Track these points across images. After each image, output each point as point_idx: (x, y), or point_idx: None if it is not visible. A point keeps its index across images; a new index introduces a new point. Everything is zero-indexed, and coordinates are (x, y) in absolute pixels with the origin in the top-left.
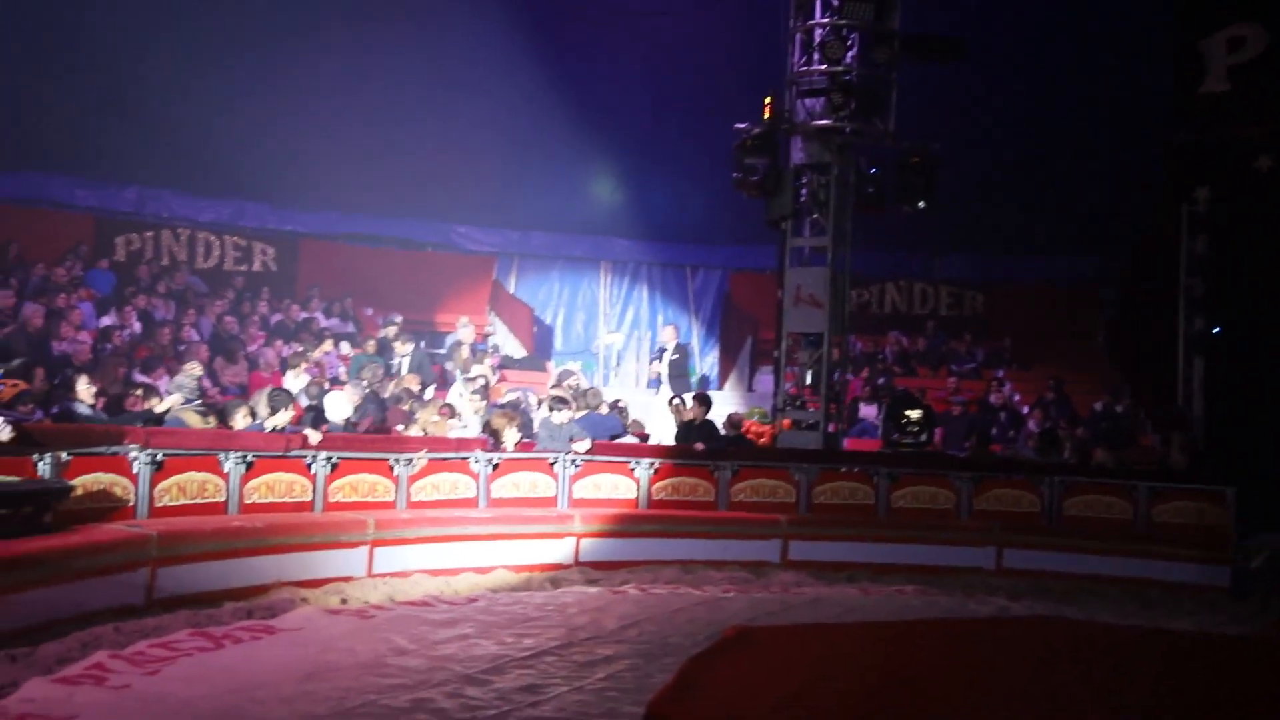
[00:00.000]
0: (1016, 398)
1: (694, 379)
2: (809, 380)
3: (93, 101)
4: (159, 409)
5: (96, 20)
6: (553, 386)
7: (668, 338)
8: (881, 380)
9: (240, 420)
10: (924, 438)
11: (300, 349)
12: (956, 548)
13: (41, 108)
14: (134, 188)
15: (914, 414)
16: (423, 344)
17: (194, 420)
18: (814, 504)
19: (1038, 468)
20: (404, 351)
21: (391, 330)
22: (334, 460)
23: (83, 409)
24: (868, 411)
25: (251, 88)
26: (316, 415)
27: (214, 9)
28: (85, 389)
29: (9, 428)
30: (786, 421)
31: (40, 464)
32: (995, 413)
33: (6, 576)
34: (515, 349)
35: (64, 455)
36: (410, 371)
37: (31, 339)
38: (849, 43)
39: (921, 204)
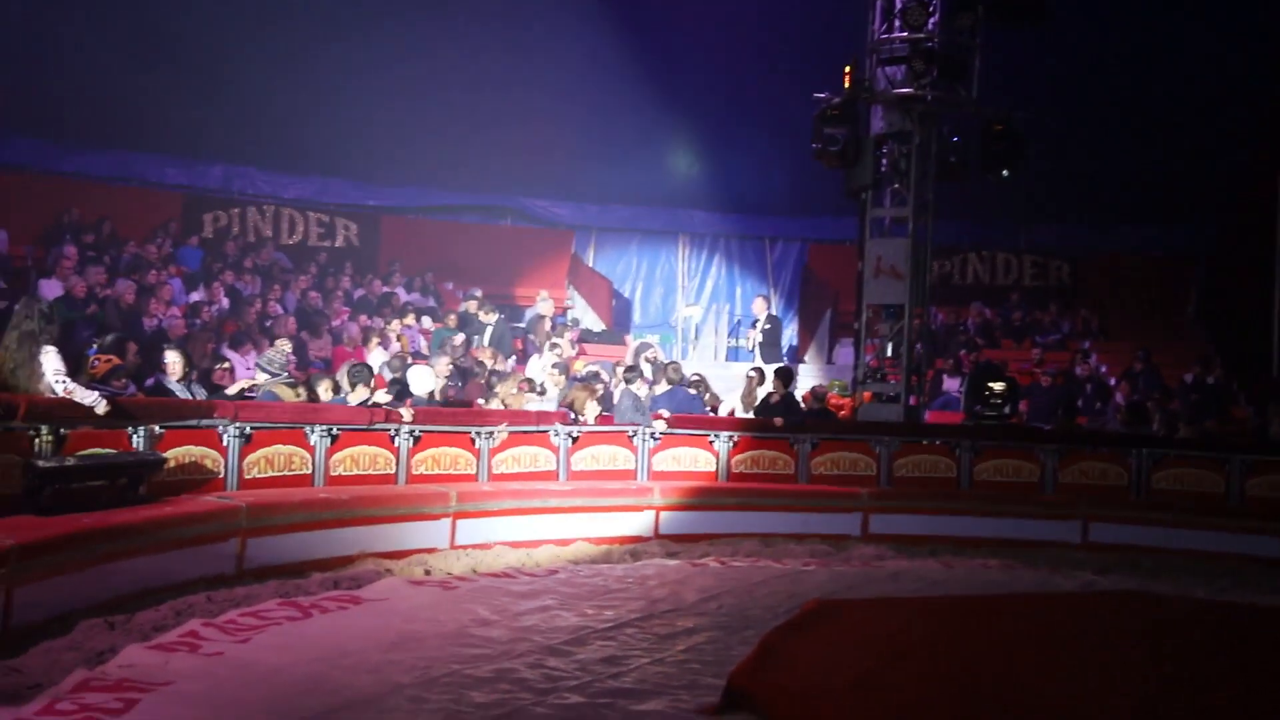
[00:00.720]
0: (1103, 369)
1: (784, 350)
2: (890, 352)
3: (182, 81)
4: (250, 385)
5: (187, 3)
6: (630, 362)
7: (759, 309)
8: (964, 352)
9: (324, 394)
10: (1007, 410)
11: (382, 323)
12: (1041, 521)
13: (132, 87)
14: (221, 165)
15: (997, 386)
16: (503, 316)
17: (286, 393)
18: (895, 477)
19: (1125, 440)
20: (489, 320)
21: (472, 304)
22: (417, 434)
23: (173, 384)
24: (950, 384)
25: (334, 67)
26: (401, 389)
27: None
28: (175, 361)
29: (104, 401)
30: (867, 394)
31: (134, 437)
32: (1081, 385)
33: (104, 546)
34: (594, 323)
35: (157, 428)
36: (491, 343)
37: (124, 314)
38: (931, 8)
39: (1005, 173)
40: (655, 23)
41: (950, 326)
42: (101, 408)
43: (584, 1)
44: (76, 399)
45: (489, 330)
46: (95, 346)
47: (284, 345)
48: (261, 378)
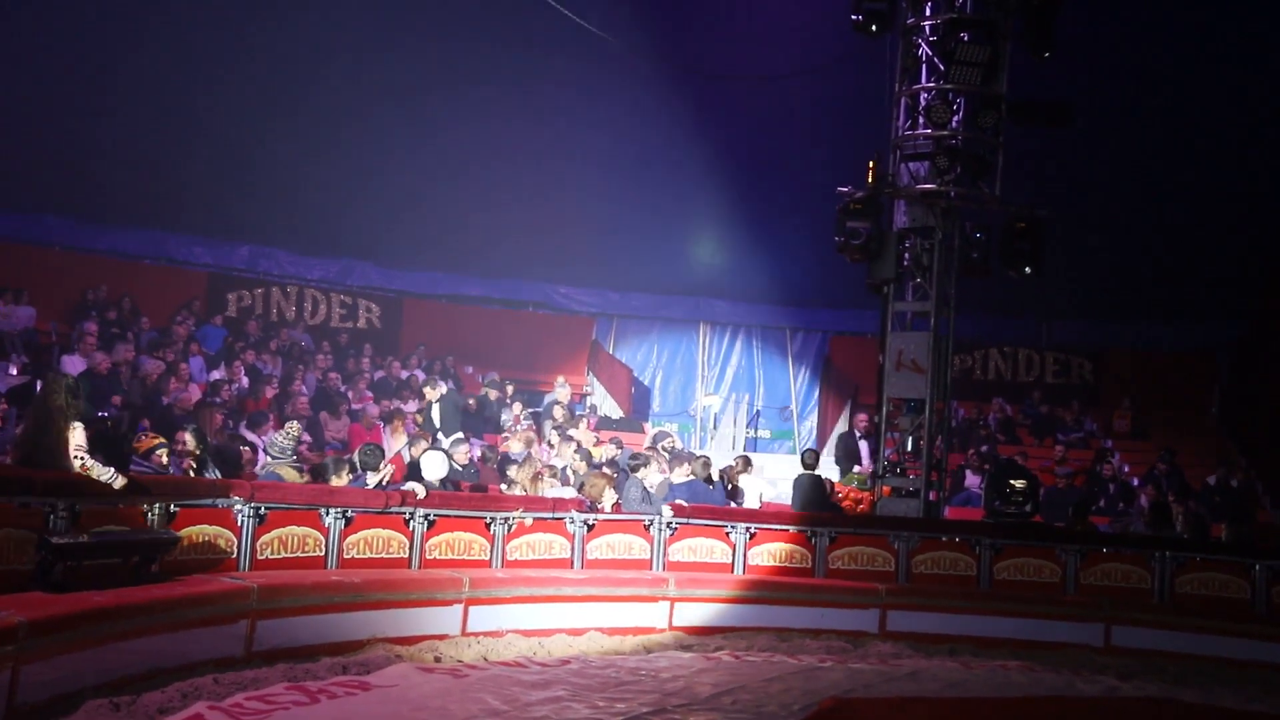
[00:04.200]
0: (1126, 469)
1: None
2: (909, 447)
3: (212, 162)
4: (260, 466)
5: (218, 89)
6: (647, 448)
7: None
8: (985, 448)
9: (342, 477)
10: (1029, 508)
11: (399, 405)
12: (1062, 623)
13: (164, 167)
14: (247, 246)
15: (1018, 483)
16: (452, 388)
17: (290, 475)
18: (914, 573)
19: (1148, 542)
20: (434, 396)
21: (492, 392)
22: (431, 518)
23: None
24: (971, 480)
25: (362, 152)
26: (413, 470)
27: (325, 79)
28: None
29: (120, 477)
30: (886, 488)
31: (149, 514)
32: (1104, 484)
33: (114, 625)
34: (613, 409)
35: (172, 506)
36: (440, 421)
37: (147, 392)
38: (955, 107)
39: (1028, 269)
40: (681, 116)
41: (971, 422)
42: (118, 483)
43: (608, 95)
44: (93, 475)
45: (435, 407)
46: (144, 424)
47: (293, 428)
48: (267, 459)
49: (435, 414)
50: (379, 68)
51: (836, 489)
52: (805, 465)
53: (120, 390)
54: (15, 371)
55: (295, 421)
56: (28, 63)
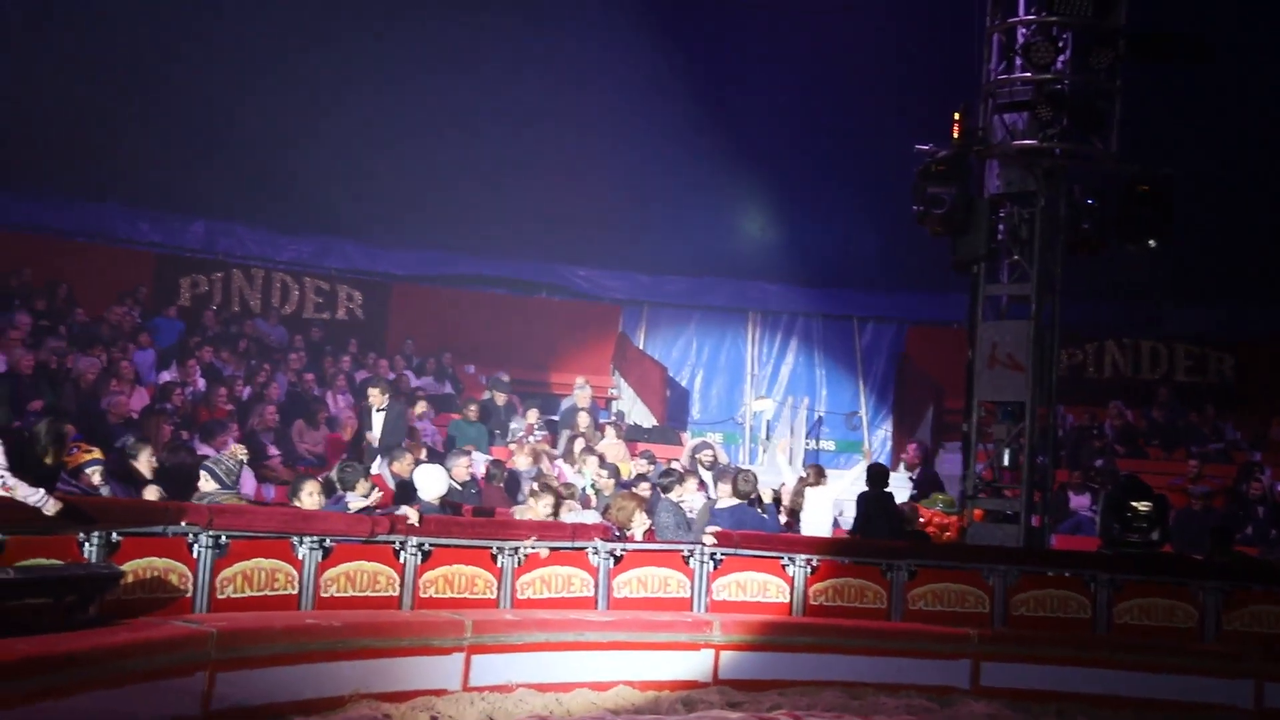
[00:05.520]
0: (1279, 487)
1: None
2: (1006, 461)
3: (159, 125)
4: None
5: (169, 42)
6: (686, 464)
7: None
8: (1100, 462)
9: (308, 498)
10: (1155, 536)
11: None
12: (1201, 678)
13: (103, 131)
14: (202, 221)
15: (1142, 506)
16: (387, 396)
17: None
18: (1013, 616)
19: None
20: (379, 404)
21: (499, 394)
22: (427, 548)
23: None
24: (1081, 501)
25: (340, 110)
26: (404, 491)
27: (296, 32)
28: (146, 462)
29: (51, 501)
30: (978, 512)
31: (86, 545)
32: (1250, 506)
33: (43, 679)
34: (644, 416)
35: (114, 535)
36: (383, 432)
37: (82, 395)
38: (1060, 44)
39: (1152, 242)
40: (721, 55)
41: (1082, 430)
42: (50, 507)
43: (635, 38)
44: (18, 497)
45: (376, 416)
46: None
47: (238, 452)
48: (209, 486)
49: (376, 426)
50: (365, 17)
51: (919, 513)
52: (871, 482)
53: (46, 394)
54: None
55: (239, 445)
56: None
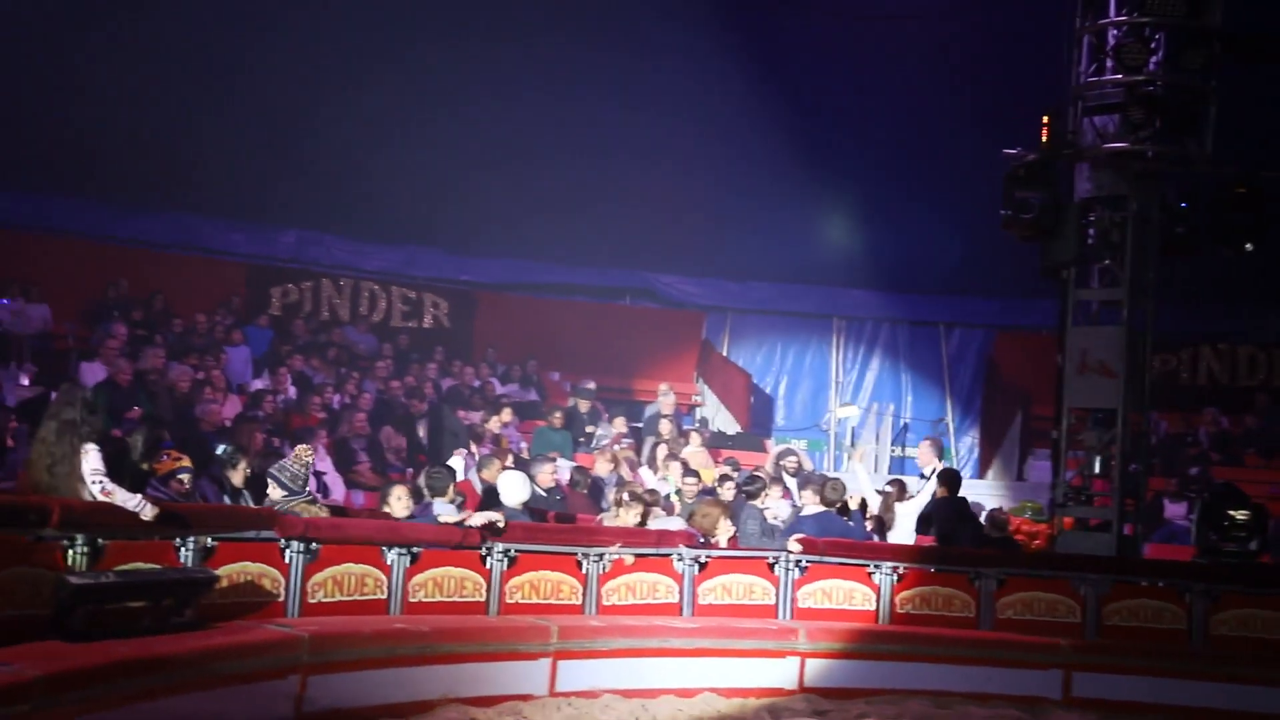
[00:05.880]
0: None
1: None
2: (1097, 468)
3: (252, 138)
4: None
5: (258, 53)
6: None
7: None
8: (1195, 470)
9: (396, 503)
10: (1254, 545)
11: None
12: None
13: (197, 145)
14: (293, 232)
15: (1240, 514)
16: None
17: (310, 512)
18: (1105, 626)
19: None
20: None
21: (584, 403)
22: (513, 554)
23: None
24: (1175, 510)
25: (428, 120)
26: (490, 497)
27: (387, 46)
28: (241, 470)
29: (149, 506)
30: (1068, 520)
31: (182, 550)
32: None
33: (143, 680)
34: (727, 423)
35: (209, 540)
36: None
37: (177, 403)
38: (1153, 45)
39: (1249, 246)
40: (807, 62)
41: (1176, 437)
42: (147, 513)
43: (720, 46)
44: (116, 501)
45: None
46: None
47: (305, 454)
48: (277, 493)
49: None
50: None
51: (1015, 524)
52: (943, 487)
53: (143, 403)
54: (27, 381)
55: (305, 446)
56: (36, 30)
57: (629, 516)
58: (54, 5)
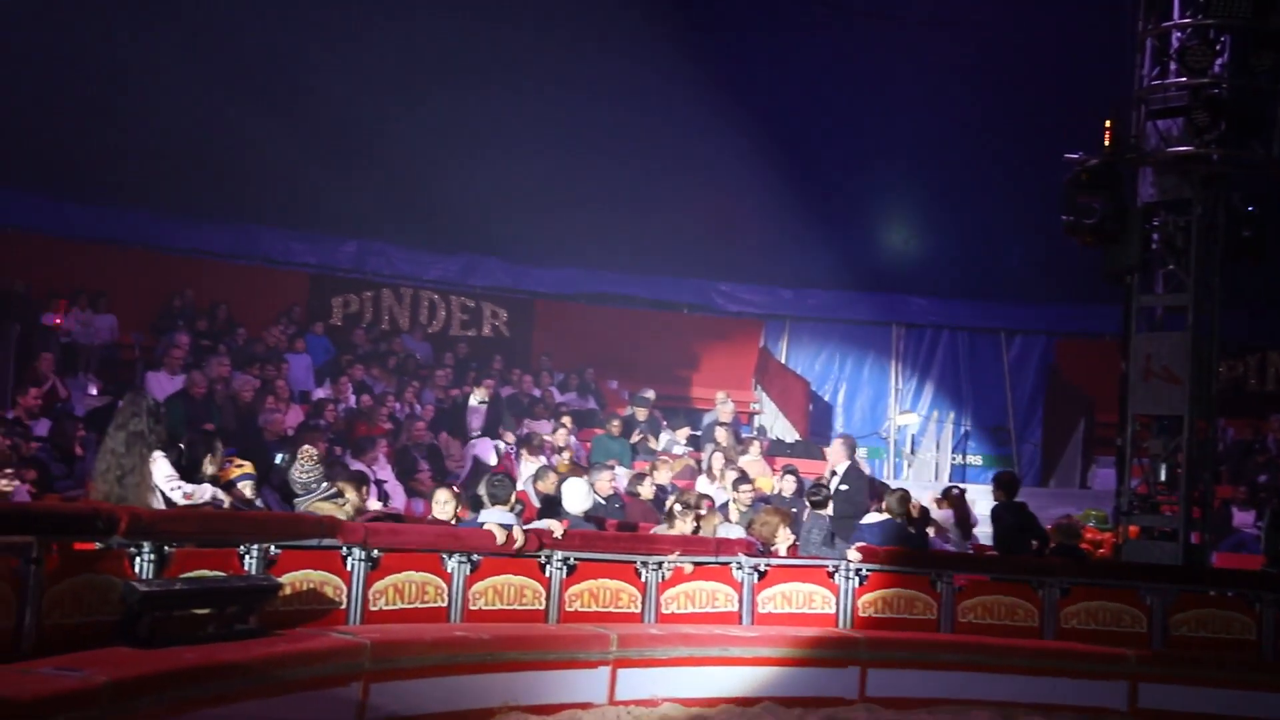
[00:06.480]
0: None
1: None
2: (1163, 476)
3: (312, 149)
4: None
5: (320, 66)
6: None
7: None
8: (1263, 478)
9: (437, 506)
10: None
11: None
12: None
13: (259, 156)
14: (354, 242)
15: None
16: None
17: (325, 509)
18: (1171, 636)
19: None
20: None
21: (642, 411)
22: (572, 561)
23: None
24: (1243, 518)
25: (487, 129)
26: (549, 506)
27: (443, 57)
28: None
29: (227, 500)
30: (1134, 528)
31: (246, 558)
32: None
33: (209, 686)
34: (786, 431)
35: (272, 548)
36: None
37: (241, 412)
38: (1218, 47)
39: None
40: (862, 73)
41: (1244, 444)
42: (227, 503)
43: (775, 55)
44: (197, 500)
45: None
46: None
47: (309, 452)
48: (303, 503)
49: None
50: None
51: (1085, 532)
52: (1001, 491)
53: (215, 415)
54: (95, 391)
55: (307, 446)
56: (100, 42)
57: (684, 525)
58: (118, 20)
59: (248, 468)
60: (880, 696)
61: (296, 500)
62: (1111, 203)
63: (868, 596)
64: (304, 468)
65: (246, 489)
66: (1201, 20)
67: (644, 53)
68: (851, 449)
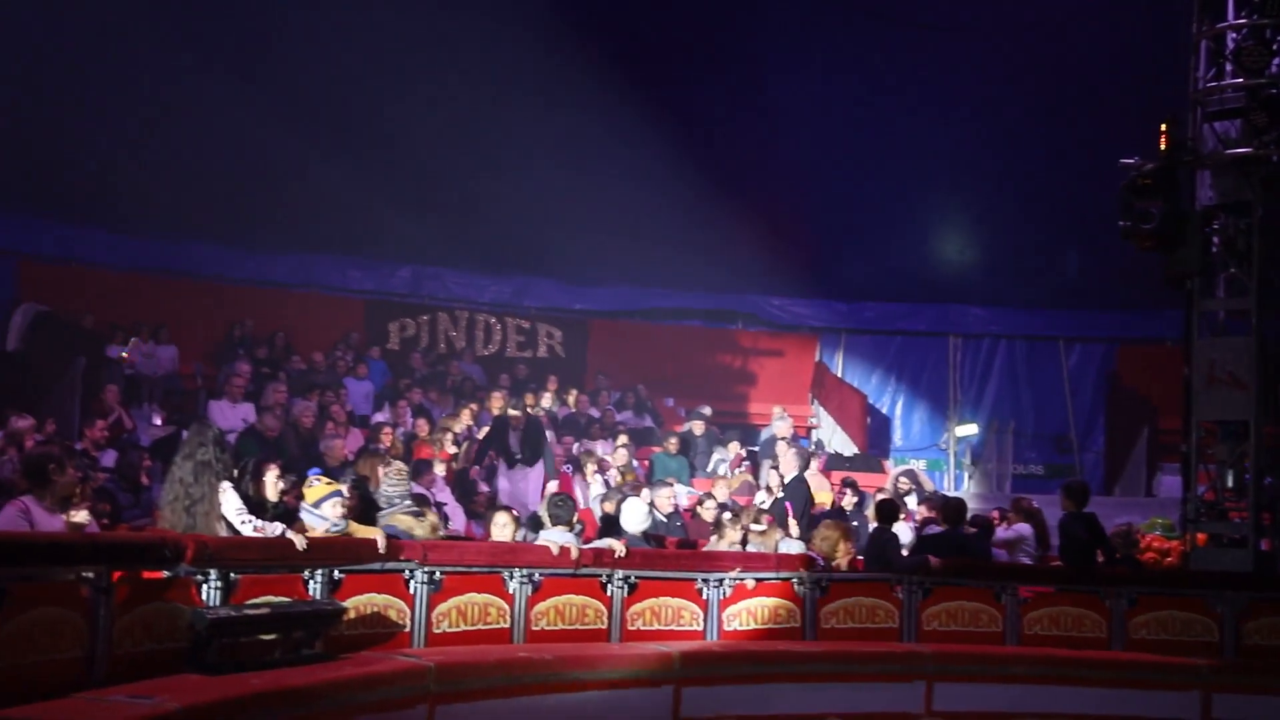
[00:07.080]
0: None
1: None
2: (1230, 482)
3: (367, 178)
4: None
5: (370, 94)
6: (890, 493)
7: None
8: None
9: (495, 529)
10: None
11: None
12: None
13: (314, 184)
14: (409, 267)
15: None
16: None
17: (406, 523)
18: (1244, 645)
19: None
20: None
21: (698, 425)
22: (633, 580)
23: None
24: None
25: (538, 152)
26: (609, 524)
27: (494, 84)
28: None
29: (298, 535)
30: (1201, 536)
31: (311, 583)
32: None
33: (276, 712)
34: (844, 445)
35: (336, 572)
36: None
37: (303, 439)
38: (1275, 46)
39: None
40: (916, 84)
41: None
42: (300, 542)
43: (827, 67)
44: (268, 534)
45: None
46: (316, 468)
47: (399, 468)
48: (316, 529)
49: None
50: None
51: (1146, 541)
52: (1070, 501)
53: (285, 453)
54: (159, 421)
55: (398, 462)
56: (160, 78)
57: (733, 535)
58: (177, 55)
59: (337, 486)
60: (946, 711)
61: (380, 514)
62: (1170, 207)
63: (932, 609)
64: (392, 480)
65: (335, 508)
66: (1257, 20)
67: (691, 72)
68: (805, 461)
